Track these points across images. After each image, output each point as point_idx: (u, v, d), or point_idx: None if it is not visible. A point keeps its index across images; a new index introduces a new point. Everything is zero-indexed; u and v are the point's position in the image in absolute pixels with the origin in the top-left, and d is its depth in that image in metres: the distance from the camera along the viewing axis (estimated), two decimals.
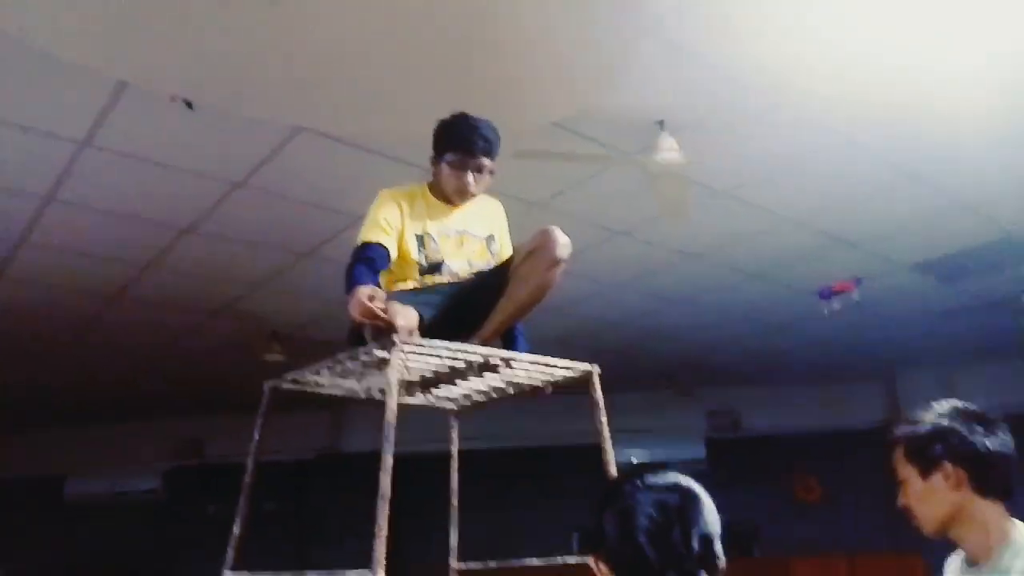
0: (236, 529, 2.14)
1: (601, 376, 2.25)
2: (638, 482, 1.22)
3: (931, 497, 1.80)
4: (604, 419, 2.24)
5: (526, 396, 2.42)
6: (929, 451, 1.81)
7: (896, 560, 6.78)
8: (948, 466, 1.78)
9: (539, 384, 2.34)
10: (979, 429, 1.81)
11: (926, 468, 1.81)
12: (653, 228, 4.73)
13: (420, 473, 4.64)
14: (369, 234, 2.22)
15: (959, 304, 6.28)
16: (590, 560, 1.21)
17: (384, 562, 1.62)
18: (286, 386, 2.25)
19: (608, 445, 2.23)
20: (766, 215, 4.59)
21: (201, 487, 9.16)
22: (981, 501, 1.77)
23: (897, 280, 5.62)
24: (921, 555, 6.97)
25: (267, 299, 5.58)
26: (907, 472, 1.86)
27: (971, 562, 1.82)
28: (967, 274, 5.60)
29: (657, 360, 7.60)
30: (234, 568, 2.08)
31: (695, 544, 1.14)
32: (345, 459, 8.96)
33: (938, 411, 1.87)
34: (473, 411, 2.60)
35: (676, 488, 1.21)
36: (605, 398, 2.24)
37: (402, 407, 1.78)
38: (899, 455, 1.89)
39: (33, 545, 8.78)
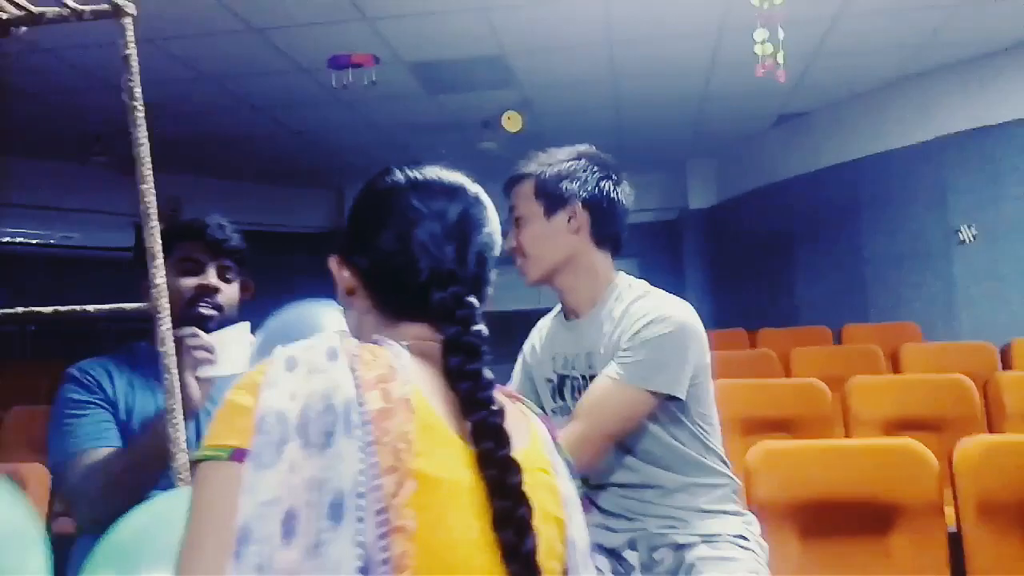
0: None
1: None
2: (414, 177, 0.99)
3: (550, 239, 1.68)
4: (136, 73, 1.41)
5: None
6: (560, 189, 1.68)
7: None
8: (576, 207, 1.68)
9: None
10: (609, 176, 1.72)
11: (553, 207, 1.68)
12: None
13: None
14: None
15: (429, 121, 6.41)
16: (332, 262, 1.00)
17: None
18: None
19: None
20: None
21: None
22: (595, 250, 1.72)
23: (390, 78, 5.33)
24: None
25: None
26: (530, 210, 1.70)
27: (571, 315, 1.76)
28: (453, 87, 5.64)
29: (80, 119, 5.98)
30: None
31: (470, 262, 0.97)
32: None
33: (570, 153, 1.73)
34: None
35: (458, 194, 0.99)
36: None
37: None
38: (525, 190, 1.71)
39: None
